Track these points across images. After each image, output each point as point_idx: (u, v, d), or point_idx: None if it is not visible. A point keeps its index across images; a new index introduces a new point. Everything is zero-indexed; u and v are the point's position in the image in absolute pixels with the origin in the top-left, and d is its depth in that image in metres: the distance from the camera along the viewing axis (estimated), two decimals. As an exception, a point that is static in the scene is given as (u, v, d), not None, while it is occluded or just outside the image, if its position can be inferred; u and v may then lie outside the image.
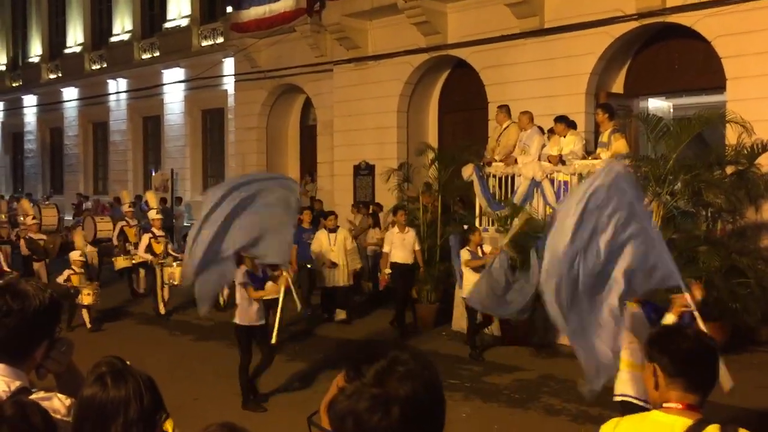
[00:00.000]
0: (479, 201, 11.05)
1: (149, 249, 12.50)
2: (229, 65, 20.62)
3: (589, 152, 10.47)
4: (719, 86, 11.40)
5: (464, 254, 9.34)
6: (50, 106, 28.41)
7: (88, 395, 1.95)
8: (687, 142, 9.10)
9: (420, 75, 15.99)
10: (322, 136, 18.11)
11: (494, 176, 10.96)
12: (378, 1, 15.14)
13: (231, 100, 20.88)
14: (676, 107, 13.43)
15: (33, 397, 2.00)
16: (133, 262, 13.19)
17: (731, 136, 9.95)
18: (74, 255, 11.46)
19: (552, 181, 10.21)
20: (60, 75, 27.87)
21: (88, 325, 11.12)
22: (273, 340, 7.45)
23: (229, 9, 19.48)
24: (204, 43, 21.99)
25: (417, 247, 10.70)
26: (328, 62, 17.20)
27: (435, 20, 14.75)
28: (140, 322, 12.13)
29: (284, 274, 7.33)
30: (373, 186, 16.31)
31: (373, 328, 11.15)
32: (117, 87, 25.39)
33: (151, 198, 14.44)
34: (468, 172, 10.88)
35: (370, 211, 14.61)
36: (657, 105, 13.02)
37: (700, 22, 11.32)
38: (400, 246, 10.56)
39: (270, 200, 5.90)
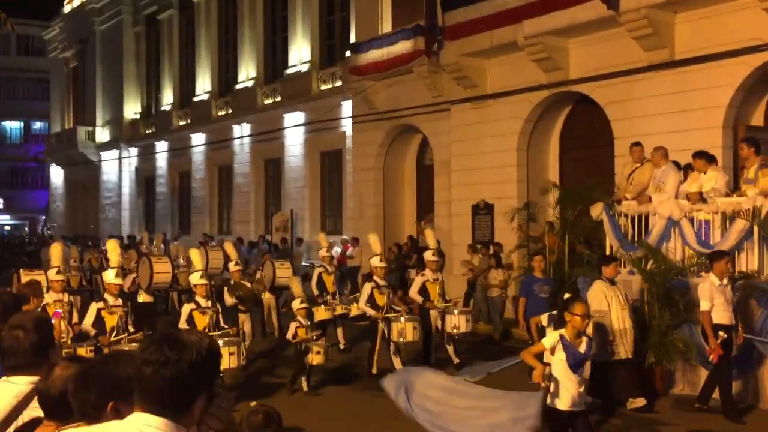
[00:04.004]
0: (610, 241, 10.50)
1: (371, 300, 10.50)
2: (347, 108, 21.05)
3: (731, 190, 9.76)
4: None
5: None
6: (179, 151, 30.05)
7: None
8: None
9: (540, 112, 15.64)
10: (439, 175, 18.03)
11: (626, 215, 10.42)
12: (497, 39, 14.98)
13: (349, 142, 21.25)
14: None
15: None
16: (335, 314, 11.71)
17: None
18: (296, 304, 9.69)
19: (692, 221, 9.56)
20: (189, 122, 29.47)
21: (305, 388, 9.40)
22: None
23: (348, 53, 19.96)
24: (323, 87, 22.60)
25: None
26: (445, 102, 17.17)
27: (556, 56, 14.42)
28: (354, 385, 10.10)
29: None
30: (492, 226, 15.99)
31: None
32: (241, 131, 26.51)
33: (375, 243, 11.17)
34: (597, 211, 10.38)
35: (491, 252, 14.29)
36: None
37: None
38: (723, 303, 8.00)
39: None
